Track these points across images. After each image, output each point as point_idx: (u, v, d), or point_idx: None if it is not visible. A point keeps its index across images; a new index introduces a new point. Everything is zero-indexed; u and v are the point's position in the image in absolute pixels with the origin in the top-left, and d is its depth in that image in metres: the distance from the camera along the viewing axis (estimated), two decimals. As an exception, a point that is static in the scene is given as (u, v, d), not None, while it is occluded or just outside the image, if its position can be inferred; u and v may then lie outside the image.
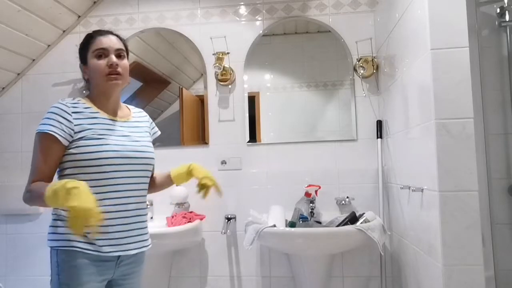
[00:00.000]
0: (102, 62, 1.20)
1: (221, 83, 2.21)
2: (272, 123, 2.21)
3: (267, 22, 2.23)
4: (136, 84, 2.31)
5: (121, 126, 1.26)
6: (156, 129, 1.44)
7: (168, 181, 1.39)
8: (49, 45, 2.33)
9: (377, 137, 2.07)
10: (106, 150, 1.16)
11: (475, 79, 1.51)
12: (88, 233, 1.05)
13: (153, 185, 1.39)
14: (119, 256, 1.18)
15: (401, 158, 1.80)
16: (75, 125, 1.15)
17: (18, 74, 2.34)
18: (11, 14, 1.96)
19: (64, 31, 2.33)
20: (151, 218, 2.10)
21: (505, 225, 1.73)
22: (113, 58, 1.21)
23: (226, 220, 2.10)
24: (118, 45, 1.24)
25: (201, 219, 2.06)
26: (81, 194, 0.98)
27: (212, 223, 2.12)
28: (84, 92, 1.32)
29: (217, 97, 2.23)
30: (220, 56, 2.13)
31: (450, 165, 1.32)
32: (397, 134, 1.84)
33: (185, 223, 1.96)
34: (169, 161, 2.20)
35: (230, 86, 2.22)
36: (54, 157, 1.14)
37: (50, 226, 1.18)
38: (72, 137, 1.15)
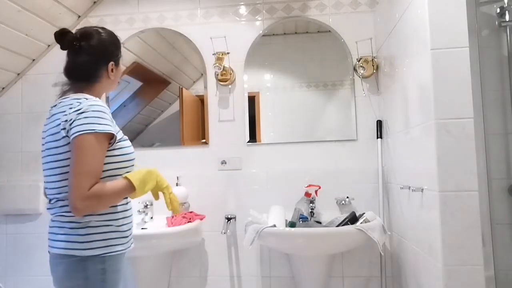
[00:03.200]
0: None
1: (221, 83, 2.21)
2: (272, 123, 2.21)
3: (267, 22, 2.23)
4: (136, 84, 2.31)
5: None
6: None
7: None
8: (49, 45, 2.33)
9: (377, 137, 2.07)
10: (131, 153, 1.21)
11: (475, 79, 1.50)
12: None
13: None
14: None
15: (401, 158, 1.80)
16: (115, 125, 1.16)
17: (18, 74, 2.34)
18: (11, 14, 1.96)
19: (64, 31, 2.32)
20: (151, 218, 2.10)
21: (505, 225, 1.73)
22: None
23: (226, 220, 2.10)
24: None
25: (201, 219, 2.06)
26: (159, 175, 1.21)
27: (212, 223, 2.12)
28: (62, 87, 1.25)
29: (217, 97, 2.23)
30: (220, 56, 2.13)
31: (450, 165, 1.32)
32: (397, 134, 1.84)
33: (185, 223, 1.96)
34: (169, 161, 2.21)
35: (230, 86, 2.22)
36: (104, 157, 1.10)
37: (78, 234, 1.09)
38: (116, 137, 1.14)
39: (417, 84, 1.52)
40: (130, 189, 1.12)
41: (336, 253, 2.03)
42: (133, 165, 1.20)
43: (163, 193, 1.23)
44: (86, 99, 1.13)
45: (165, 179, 1.23)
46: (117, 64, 1.26)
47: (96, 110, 1.09)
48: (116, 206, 1.16)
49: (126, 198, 1.21)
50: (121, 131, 1.18)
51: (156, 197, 1.24)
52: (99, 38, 1.22)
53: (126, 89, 2.29)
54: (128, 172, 1.16)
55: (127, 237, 1.19)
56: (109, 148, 1.12)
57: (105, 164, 1.11)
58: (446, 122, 1.33)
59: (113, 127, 1.11)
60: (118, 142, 1.14)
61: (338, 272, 2.08)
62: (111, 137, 1.12)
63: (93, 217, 1.11)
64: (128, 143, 1.20)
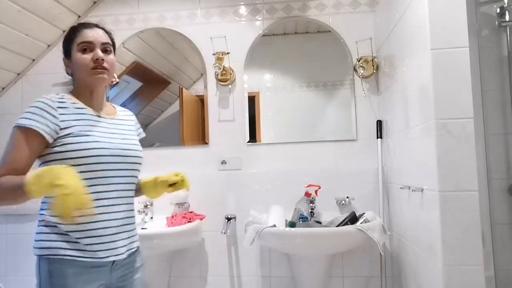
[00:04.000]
0: (87, 57, 1.14)
1: (221, 83, 2.21)
2: (272, 123, 2.21)
3: (267, 22, 2.23)
4: (136, 84, 2.31)
5: (107, 123, 1.18)
6: (141, 130, 1.35)
7: (138, 188, 1.28)
8: (49, 45, 2.33)
9: (377, 137, 2.07)
10: (95, 148, 1.08)
11: (475, 79, 1.51)
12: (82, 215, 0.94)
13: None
14: (114, 261, 1.11)
15: (401, 158, 1.80)
16: (60, 121, 1.07)
17: (18, 74, 2.34)
18: (11, 14, 1.96)
19: (64, 31, 2.32)
20: (151, 218, 2.10)
21: (505, 225, 1.73)
22: (99, 52, 1.14)
23: (226, 220, 2.09)
24: (105, 39, 1.18)
25: (201, 219, 2.06)
26: (69, 174, 0.93)
27: (212, 223, 2.12)
28: (67, 88, 1.25)
29: (217, 97, 2.23)
30: (220, 56, 2.13)
31: (450, 165, 1.32)
32: (397, 134, 1.84)
33: (185, 223, 1.96)
34: (169, 161, 2.21)
35: (230, 86, 2.22)
36: (31, 154, 1.05)
37: (37, 233, 1.09)
38: (57, 133, 1.07)
39: (417, 84, 1.52)
40: (24, 184, 0.94)
41: (336, 253, 2.03)
42: (91, 164, 1.07)
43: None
44: (47, 96, 1.11)
45: (71, 179, 0.93)
46: (67, 56, 1.19)
47: (33, 105, 1.07)
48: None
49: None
50: (79, 126, 1.09)
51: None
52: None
53: (126, 89, 2.29)
54: (84, 170, 1.06)
55: (84, 250, 1.06)
56: (52, 145, 1.07)
57: (47, 161, 1.07)
58: (446, 122, 1.33)
59: (41, 123, 1.04)
60: (65, 138, 1.07)
61: (338, 272, 2.08)
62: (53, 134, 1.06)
63: (45, 216, 1.09)
64: (79, 139, 1.07)
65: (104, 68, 1.15)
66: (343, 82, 2.16)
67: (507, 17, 1.77)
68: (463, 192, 1.31)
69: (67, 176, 0.93)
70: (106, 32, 1.21)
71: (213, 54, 2.15)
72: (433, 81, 1.34)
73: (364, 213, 1.87)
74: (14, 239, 2.27)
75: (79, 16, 2.32)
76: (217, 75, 2.19)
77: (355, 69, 2.14)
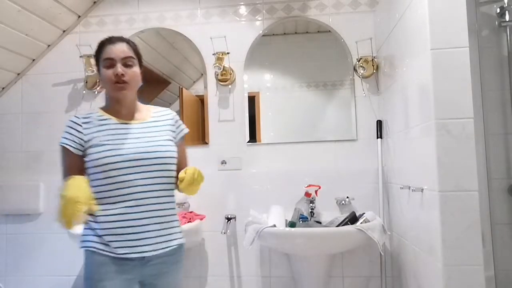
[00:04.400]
0: (110, 72, 1.25)
1: (221, 83, 2.21)
2: (272, 123, 2.21)
3: (267, 22, 2.23)
4: (136, 84, 2.30)
5: (135, 128, 1.29)
6: (183, 126, 1.42)
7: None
8: (49, 45, 2.33)
9: (377, 137, 2.07)
10: (108, 156, 1.20)
11: (475, 79, 1.51)
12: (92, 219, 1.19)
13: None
14: (143, 257, 1.20)
15: (401, 158, 1.80)
16: (84, 135, 1.24)
17: (18, 74, 2.34)
18: (11, 14, 1.97)
19: (64, 31, 2.33)
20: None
21: (505, 225, 1.73)
22: (118, 68, 1.24)
23: (226, 220, 2.10)
24: (126, 53, 1.27)
25: (201, 219, 2.06)
26: (73, 185, 1.08)
27: (212, 223, 2.12)
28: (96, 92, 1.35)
29: (217, 97, 2.23)
30: (220, 56, 2.13)
31: (450, 165, 1.32)
32: (397, 134, 1.84)
33: (185, 223, 1.96)
34: (169, 161, 2.21)
35: (230, 86, 2.22)
36: (73, 164, 1.23)
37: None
38: (83, 146, 1.23)
39: (417, 84, 1.52)
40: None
41: (336, 253, 2.03)
42: (108, 170, 1.19)
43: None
44: (77, 115, 1.31)
45: (71, 191, 1.07)
46: (98, 70, 1.32)
47: (65, 125, 1.27)
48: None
49: (102, 203, 1.19)
50: (98, 137, 1.23)
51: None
52: None
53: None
54: (108, 176, 1.20)
55: (106, 245, 1.19)
56: (84, 155, 1.24)
57: (86, 168, 1.24)
58: (446, 122, 1.33)
59: (69, 140, 1.23)
60: (89, 149, 1.23)
61: (338, 272, 2.08)
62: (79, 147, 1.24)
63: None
64: (97, 149, 1.21)
65: (124, 82, 1.26)
66: (343, 82, 2.16)
67: (507, 17, 1.77)
68: (463, 192, 1.31)
69: (69, 187, 1.08)
70: (130, 44, 1.31)
71: (213, 54, 2.15)
72: (433, 81, 1.34)
73: (364, 213, 1.87)
74: (14, 239, 2.27)
75: (79, 16, 2.32)
76: (217, 75, 2.19)
77: (355, 69, 2.14)
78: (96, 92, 2.27)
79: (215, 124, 2.22)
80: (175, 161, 1.30)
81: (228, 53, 2.17)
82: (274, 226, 1.78)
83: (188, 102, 2.25)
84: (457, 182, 1.31)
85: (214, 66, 2.10)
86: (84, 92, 2.29)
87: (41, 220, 2.25)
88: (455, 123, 1.32)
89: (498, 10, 1.78)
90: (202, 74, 2.25)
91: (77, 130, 1.25)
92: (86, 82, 2.27)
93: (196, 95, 2.26)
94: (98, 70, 1.31)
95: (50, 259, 2.24)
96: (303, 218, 1.95)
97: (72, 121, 1.27)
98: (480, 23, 1.77)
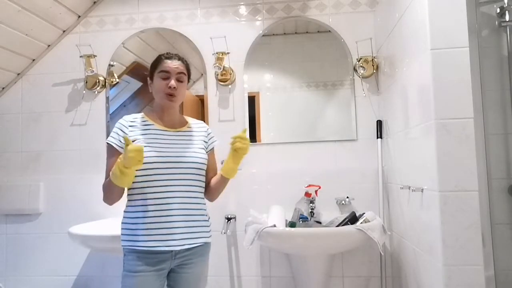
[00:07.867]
0: (164, 83, 1.40)
1: (221, 83, 2.21)
2: (272, 123, 2.21)
3: (267, 22, 2.23)
4: (136, 84, 2.31)
5: (173, 135, 1.44)
6: (214, 139, 1.58)
7: (222, 179, 1.51)
8: (49, 45, 2.33)
9: (377, 137, 2.07)
10: (151, 156, 1.33)
11: (475, 79, 1.51)
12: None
13: (208, 190, 1.53)
14: (171, 251, 1.34)
15: (401, 158, 1.80)
16: (129, 136, 1.37)
17: (18, 74, 2.34)
18: (11, 14, 1.97)
19: (64, 31, 2.33)
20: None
21: (505, 225, 1.73)
22: (172, 81, 1.40)
23: (226, 220, 2.10)
24: (180, 69, 1.42)
25: (201, 219, 2.06)
26: (132, 145, 1.24)
27: (212, 223, 2.11)
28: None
29: (217, 97, 2.23)
30: (220, 56, 2.13)
31: (450, 165, 1.32)
32: (397, 134, 1.84)
33: (185, 223, 1.96)
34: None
35: (230, 86, 2.22)
36: (115, 161, 1.31)
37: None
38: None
39: (417, 84, 1.52)
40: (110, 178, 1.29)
41: (336, 253, 2.03)
42: (147, 169, 1.32)
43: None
44: (125, 117, 1.45)
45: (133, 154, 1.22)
46: (151, 78, 1.46)
47: (115, 126, 1.42)
48: (128, 206, 1.39)
49: (137, 199, 1.36)
50: (142, 139, 1.37)
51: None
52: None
53: (126, 89, 2.29)
54: (144, 174, 1.34)
55: (136, 235, 1.34)
56: None
57: None
58: (446, 122, 1.33)
59: (115, 138, 1.38)
60: None
61: (338, 272, 2.08)
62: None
63: (127, 213, 1.39)
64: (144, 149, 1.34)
65: (175, 95, 1.41)
66: (343, 82, 2.16)
67: (507, 17, 1.77)
68: (463, 192, 1.31)
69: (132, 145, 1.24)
70: (183, 62, 1.46)
71: (213, 54, 2.15)
72: (433, 81, 1.34)
73: (364, 213, 1.87)
74: (14, 239, 2.27)
75: (79, 16, 2.32)
76: (217, 75, 2.19)
77: (355, 69, 2.14)
78: (96, 92, 2.28)
79: (215, 124, 2.21)
80: (205, 167, 1.47)
81: (228, 53, 2.17)
82: (274, 226, 1.78)
83: (188, 102, 2.25)
84: (457, 182, 1.31)
85: (214, 66, 2.10)
86: (84, 92, 2.29)
87: (41, 220, 2.25)
88: (455, 123, 1.32)
89: (498, 10, 1.78)
90: (202, 74, 2.25)
91: (123, 131, 1.39)
92: (86, 82, 2.28)
93: (196, 95, 2.26)
94: (151, 78, 1.44)
95: (50, 259, 2.24)
96: (303, 218, 1.95)
97: (119, 122, 1.41)
98: (480, 23, 1.77)
